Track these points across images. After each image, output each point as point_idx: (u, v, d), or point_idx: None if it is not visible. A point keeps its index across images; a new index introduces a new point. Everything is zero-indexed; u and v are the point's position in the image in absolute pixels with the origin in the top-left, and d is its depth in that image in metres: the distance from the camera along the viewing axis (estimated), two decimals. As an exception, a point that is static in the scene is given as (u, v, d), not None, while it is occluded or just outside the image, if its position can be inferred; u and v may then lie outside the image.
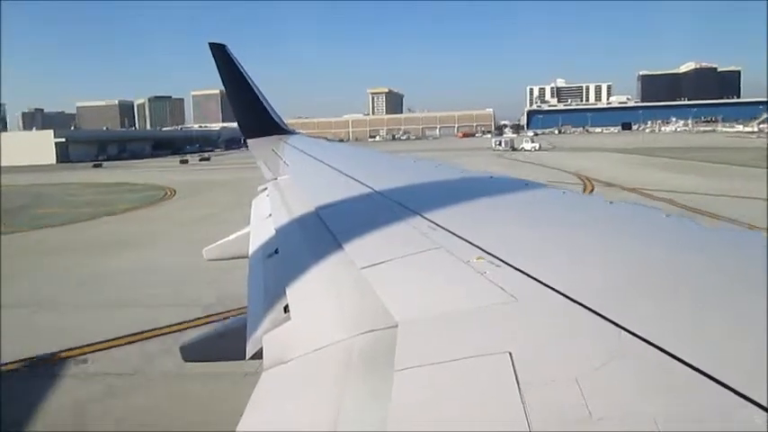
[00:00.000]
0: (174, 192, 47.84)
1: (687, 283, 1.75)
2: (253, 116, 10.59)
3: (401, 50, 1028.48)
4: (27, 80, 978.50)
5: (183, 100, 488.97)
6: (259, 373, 1.83)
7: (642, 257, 2.04)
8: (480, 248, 2.23)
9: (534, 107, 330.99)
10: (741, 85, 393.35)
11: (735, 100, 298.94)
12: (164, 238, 26.75)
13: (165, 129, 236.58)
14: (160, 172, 74.87)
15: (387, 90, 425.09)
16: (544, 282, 1.78)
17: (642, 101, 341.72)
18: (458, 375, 1.36)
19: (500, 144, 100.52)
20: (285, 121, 11.34)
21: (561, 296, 1.66)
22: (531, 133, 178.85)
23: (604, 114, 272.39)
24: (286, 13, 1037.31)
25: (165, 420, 9.75)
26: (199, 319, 14.08)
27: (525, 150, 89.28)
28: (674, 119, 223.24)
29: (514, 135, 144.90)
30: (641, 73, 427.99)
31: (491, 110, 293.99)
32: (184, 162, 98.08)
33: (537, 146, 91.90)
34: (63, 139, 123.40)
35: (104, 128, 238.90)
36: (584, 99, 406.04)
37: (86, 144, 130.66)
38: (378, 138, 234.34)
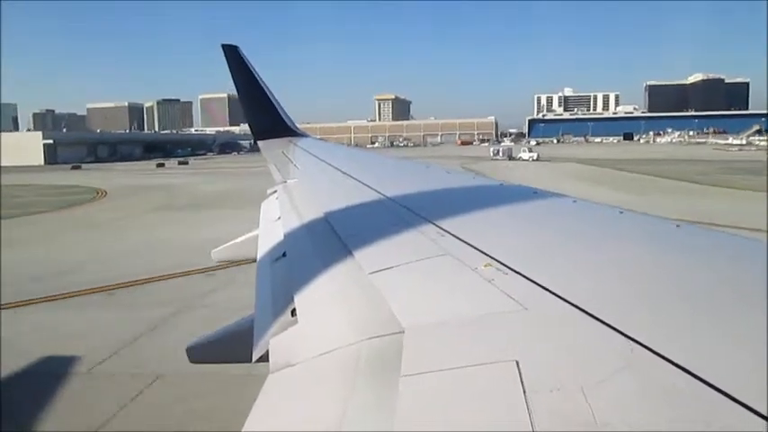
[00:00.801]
0: (105, 194, 49.40)
1: (696, 294, 1.73)
2: (264, 118, 10.69)
3: (410, 58, 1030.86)
4: (39, 81, 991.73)
5: (191, 103, 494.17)
6: (265, 376, 1.83)
7: (651, 267, 2.02)
8: (488, 255, 2.22)
9: (540, 116, 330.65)
10: (749, 97, 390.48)
11: (742, 111, 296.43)
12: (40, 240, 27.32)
13: (164, 132, 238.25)
14: (124, 174, 76.19)
15: (393, 97, 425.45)
16: (552, 290, 1.77)
17: (649, 111, 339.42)
18: (464, 382, 1.35)
19: (498, 153, 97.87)
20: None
21: (569, 305, 1.65)
22: (533, 142, 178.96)
23: (606, 124, 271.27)
24: (294, 18, 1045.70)
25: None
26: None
27: (523, 160, 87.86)
28: (669, 130, 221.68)
29: (512, 144, 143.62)
30: (648, 83, 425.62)
31: (492, 118, 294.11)
32: (161, 165, 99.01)
33: (535, 155, 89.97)
34: (51, 141, 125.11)
35: (98, 130, 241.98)
36: (591, 108, 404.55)
37: (75, 146, 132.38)
38: (377, 144, 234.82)
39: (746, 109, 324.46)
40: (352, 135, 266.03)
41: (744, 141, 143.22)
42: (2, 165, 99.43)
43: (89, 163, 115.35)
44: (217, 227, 28.84)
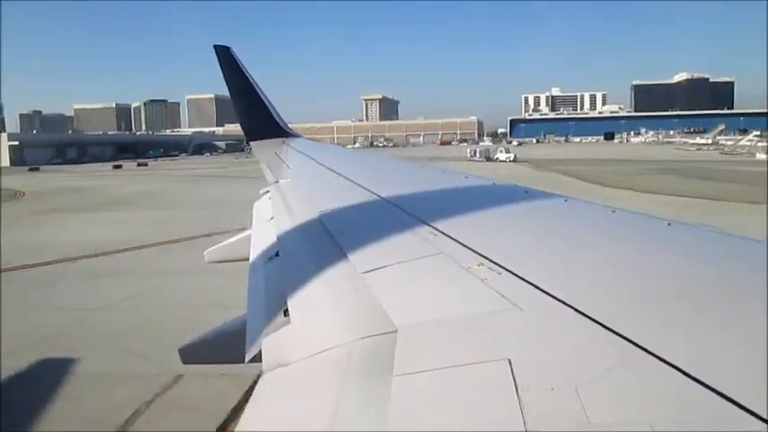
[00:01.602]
0: (23, 195, 50.58)
1: (688, 293, 1.73)
2: (256, 119, 10.63)
3: (400, 57, 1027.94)
4: (26, 82, 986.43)
5: (178, 103, 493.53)
6: (258, 375, 1.83)
7: (643, 266, 2.04)
8: (481, 255, 2.22)
9: (526, 115, 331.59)
10: (734, 96, 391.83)
11: (726, 111, 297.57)
12: None
13: (140, 133, 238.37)
14: (73, 176, 76.88)
15: (380, 96, 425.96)
16: (544, 289, 1.77)
17: (635, 111, 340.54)
18: (456, 382, 1.35)
19: (475, 154, 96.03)
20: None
21: (561, 304, 1.65)
22: (515, 143, 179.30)
23: (588, 124, 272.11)
24: (280, 17, 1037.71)
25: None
26: None
27: (500, 161, 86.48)
28: (643, 130, 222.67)
29: (490, 145, 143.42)
30: (634, 83, 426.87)
31: (475, 117, 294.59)
32: (118, 167, 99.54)
33: (512, 156, 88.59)
34: (17, 143, 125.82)
35: (70, 131, 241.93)
36: (578, 108, 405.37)
37: (44, 147, 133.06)
38: (357, 144, 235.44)
39: (732, 108, 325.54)
40: (335, 135, 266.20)
41: (709, 141, 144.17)
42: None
43: (55, 164, 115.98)
44: (88, 229, 29.63)
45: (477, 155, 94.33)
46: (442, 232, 2.67)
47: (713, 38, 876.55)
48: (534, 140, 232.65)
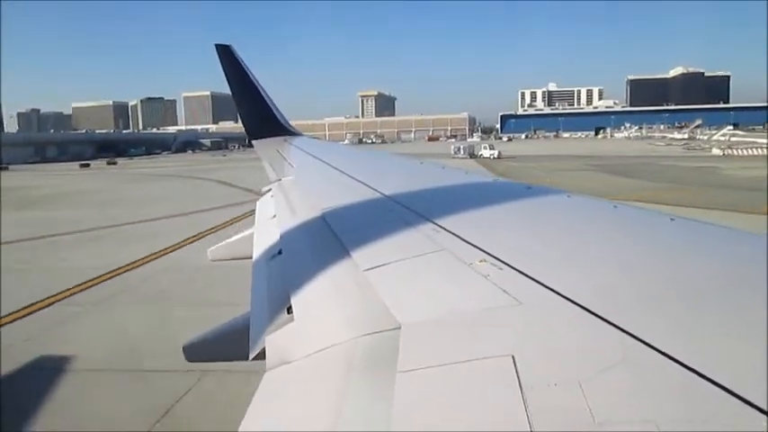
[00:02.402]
0: None
1: (691, 288, 1.74)
2: (258, 117, 10.65)
3: (396, 53, 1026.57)
4: (24, 80, 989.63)
5: (175, 101, 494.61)
6: (261, 373, 1.84)
7: (646, 261, 2.03)
8: (483, 251, 2.23)
9: (522, 111, 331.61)
10: (730, 91, 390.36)
11: (721, 105, 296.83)
12: None
13: (125, 131, 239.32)
14: (34, 176, 77.90)
15: (376, 93, 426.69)
16: (547, 285, 1.78)
17: (630, 105, 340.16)
18: (460, 378, 1.36)
19: (459, 151, 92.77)
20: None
21: (564, 299, 1.66)
22: (505, 138, 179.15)
23: (578, 119, 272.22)
24: (277, 14, 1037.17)
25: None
26: None
27: (484, 157, 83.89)
28: (627, 125, 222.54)
29: (477, 141, 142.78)
30: (630, 78, 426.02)
31: (465, 114, 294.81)
32: (85, 166, 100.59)
33: (496, 153, 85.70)
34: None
35: (51, 130, 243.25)
36: (575, 103, 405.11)
37: (23, 147, 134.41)
38: (346, 141, 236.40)
39: (727, 102, 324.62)
40: (327, 132, 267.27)
41: (686, 136, 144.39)
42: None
43: (30, 163, 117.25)
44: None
45: (461, 152, 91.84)
46: (445, 229, 2.66)
47: (713, 32, 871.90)
48: (523, 136, 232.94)
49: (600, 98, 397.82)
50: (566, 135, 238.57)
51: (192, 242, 23.59)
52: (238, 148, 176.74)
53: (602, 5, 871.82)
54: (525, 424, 1.11)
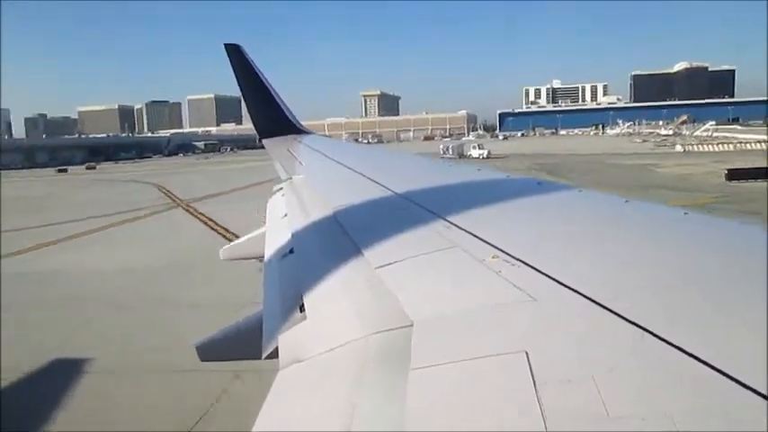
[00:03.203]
0: None
1: (705, 283, 1.73)
2: (268, 116, 10.67)
3: (402, 53, 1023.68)
4: (31, 85, 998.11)
5: (180, 104, 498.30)
6: (275, 372, 1.84)
7: (660, 257, 2.01)
8: (496, 247, 2.22)
9: (526, 108, 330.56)
10: (735, 85, 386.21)
11: (727, 99, 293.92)
12: None
13: (123, 135, 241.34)
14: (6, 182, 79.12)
15: (379, 92, 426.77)
16: (560, 280, 1.76)
17: (634, 101, 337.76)
18: (473, 374, 1.35)
19: (447, 150, 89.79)
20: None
21: (577, 295, 1.64)
22: (501, 137, 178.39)
23: (576, 116, 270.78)
24: (281, 14, 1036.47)
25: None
26: None
27: (473, 157, 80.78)
28: (620, 122, 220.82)
29: (469, 139, 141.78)
30: (634, 73, 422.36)
31: (464, 112, 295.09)
32: (62, 171, 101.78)
33: (485, 153, 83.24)
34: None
35: (44, 135, 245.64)
36: (579, 99, 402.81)
37: (12, 152, 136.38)
38: (343, 140, 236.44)
39: (732, 97, 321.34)
40: (326, 132, 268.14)
41: (671, 132, 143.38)
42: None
43: (18, 169, 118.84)
44: None
45: (450, 151, 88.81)
46: (457, 225, 2.65)
47: (722, 25, 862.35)
48: (519, 134, 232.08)
49: (604, 94, 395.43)
50: (563, 132, 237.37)
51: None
52: (230, 150, 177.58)
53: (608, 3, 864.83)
54: (539, 420, 1.11)
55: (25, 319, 16.12)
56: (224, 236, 24.90)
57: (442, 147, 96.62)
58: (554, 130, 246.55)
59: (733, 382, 1.11)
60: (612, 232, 2.49)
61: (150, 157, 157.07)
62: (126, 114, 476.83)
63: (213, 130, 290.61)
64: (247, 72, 10.34)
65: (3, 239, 28.12)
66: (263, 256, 3.79)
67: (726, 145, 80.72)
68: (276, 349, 2.04)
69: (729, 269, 1.84)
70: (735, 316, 1.45)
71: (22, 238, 28.38)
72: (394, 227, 2.85)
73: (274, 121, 10.65)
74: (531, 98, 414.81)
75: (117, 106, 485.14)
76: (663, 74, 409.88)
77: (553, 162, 64.18)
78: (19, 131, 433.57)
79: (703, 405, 1.09)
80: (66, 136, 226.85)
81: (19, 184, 73.99)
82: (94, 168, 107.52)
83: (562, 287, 1.72)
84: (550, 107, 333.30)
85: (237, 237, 7.06)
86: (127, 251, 25.06)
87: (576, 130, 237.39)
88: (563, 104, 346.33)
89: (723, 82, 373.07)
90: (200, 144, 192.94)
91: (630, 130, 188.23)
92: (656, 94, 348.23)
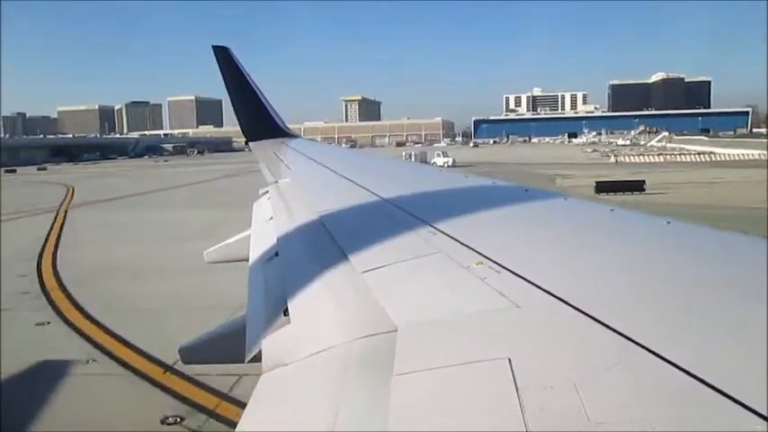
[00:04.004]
0: None
1: (687, 290, 1.74)
2: (255, 119, 10.64)
3: (383, 58, 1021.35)
4: (8, 84, 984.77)
5: (161, 105, 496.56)
6: (258, 375, 1.83)
7: (643, 264, 2.04)
8: (480, 254, 2.22)
9: (504, 116, 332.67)
10: (711, 96, 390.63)
11: (702, 110, 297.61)
12: None
13: (91, 135, 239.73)
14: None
15: (359, 97, 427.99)
16: (544, 288, 1.78)
17: (612, 110, 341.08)
18: (457, 380, 1.36)
19: (410, 158, 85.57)
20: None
21: (560, 302, 1.66)
22: (471, 144, 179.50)
23: (549, 124, 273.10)
24: (262, 16, 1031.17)
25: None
26: None
27: (437, 165, 76.43)
28: (585, 131, 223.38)
29: (426, 147, 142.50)
30: (612, 83, 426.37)
31: (439, 119, 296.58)
32: (11, 172, 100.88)
33: (450, 161, 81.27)
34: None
35: (6, 135, 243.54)
36: (559, 108, 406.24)
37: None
38: (330, 145, 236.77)
39: (709, 107, 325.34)
40: (302, 136, 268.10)
41: (628, 142, 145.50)
42: None
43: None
44: None
45: (413, 159, 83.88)
46: (442, 231, 2.67)
47: (706, 36, 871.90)
48: (492, 141, 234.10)
49: (584, 103, 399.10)
50: (535, 140, 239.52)
51: None
52: (197, 153, 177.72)
53: (592, 9, 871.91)
54: (521, 427, 1.11)
55: None
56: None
57: (404, 154, 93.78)
58: (527, 139, 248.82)
59: (714, 392, 1.12)
60: (597, 240, 2.51)
61: (115, 159, 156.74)
62: (106, 115, 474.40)
63: (190, 132, 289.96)
64: (235, 75, 10.36)
65: None
66: (247, 259, 3.81)
67: (661, 156, 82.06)
68: (260, 353, 2.02)
69: (713, 277, 1.86)
70: (718, 324, 1.47)
71: None
72: (380, 232, 2.88)
73: (262, 124, 10.67)
74: (512, 106, 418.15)
75: (97, 106, 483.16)
76: (640, 84, 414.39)
77: (488, 171, 64.86)
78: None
79: (684, 414, 1.10)
80: (50, 136, 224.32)
81: None
82: (45, 169, 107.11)
83: (546, 294, 1.73)
84: (529, 115, 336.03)
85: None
86: None
87: (547, 139, 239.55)
88: (542, 112, 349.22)
89: (699, 93, 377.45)
90: (169, 146, 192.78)
91: (595, 140, 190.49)
92: (634, 103, 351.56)
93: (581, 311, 1.57)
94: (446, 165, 78.87)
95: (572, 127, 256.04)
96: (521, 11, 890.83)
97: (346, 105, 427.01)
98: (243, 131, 10.71)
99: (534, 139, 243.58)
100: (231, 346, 2.57)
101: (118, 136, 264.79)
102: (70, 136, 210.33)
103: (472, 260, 2.18)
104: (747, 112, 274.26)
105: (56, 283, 17.53)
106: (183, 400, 9.51)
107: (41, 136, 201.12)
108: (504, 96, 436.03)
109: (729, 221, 20.27)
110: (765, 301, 1.50)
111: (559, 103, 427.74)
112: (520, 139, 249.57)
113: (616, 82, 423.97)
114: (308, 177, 6.72)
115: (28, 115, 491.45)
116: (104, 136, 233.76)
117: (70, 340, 12.58)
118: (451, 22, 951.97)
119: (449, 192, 4.54)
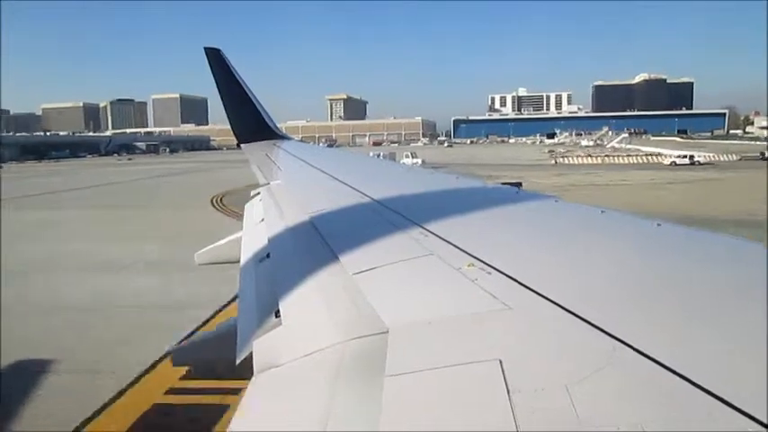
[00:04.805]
0: None
1: (676, 292, 1.75)
2: (247, 121, 10.69)
3: (371, 57, 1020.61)
4: None
5: (145, 103, 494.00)
6: (249, 377, 1.84)
7: (633, 266, 2.05)
8: (472, 255, 2.23)
9: (487, 115, 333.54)
10: (694, 97, 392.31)
11: (681, 112, 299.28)
12: None
13: (62, 133, 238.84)
14: None
15: (345, 96, 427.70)
16: (534, 289, 1.78)
17: (595, 111, 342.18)
18: (447, 382, 1.36)
19: (379, 158, 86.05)
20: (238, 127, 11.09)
21: (551, 304, 1.66)
22: (445, 144, 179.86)
23: (527, 125, 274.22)
24: (250, 15, 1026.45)
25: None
26: None
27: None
28: (558, 131, 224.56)
29: (405, 147, 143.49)
30: (595, 83, 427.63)
31: (419, 119, 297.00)
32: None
33: (419, 161, 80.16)
34: None
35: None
36: (544, 108, 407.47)
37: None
38: (319, 145, 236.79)
39: (691, 108, 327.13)
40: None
41: (591, 143, 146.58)
42: None
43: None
44: None
45: (381, 158, 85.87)
46: (433, 233, 2.68)
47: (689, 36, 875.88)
48: (469, 141, 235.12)
49: (569, 103, 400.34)
50: (512, 141, 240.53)
51: None
52: (168, 151, 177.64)
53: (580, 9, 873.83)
54: (512, 428, 1.12)
55: None
56: None
57: (372, 154, 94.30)
58: (505, 139, 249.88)
59: (703, 392, 1.13)
60: (587, 242, 2.52)
61: (84, 157, 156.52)
62: (91, 112, 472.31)
63: (171, 130, 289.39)
64: (227, 77, 10.41)
65: None
66: (238, 261, 3.82)
67: (606, 158, 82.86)
68: (251, 354, 2.01)
69: (702, 278, 1.87)
70: (707, 325, 1.48)
71: None
72: (371, 234, 2.87)
73: (253, 125, 10.72)
74: (497, 105, 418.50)
75: (82, 104, 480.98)
76: (624, 85, 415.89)
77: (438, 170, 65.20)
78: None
79: (673, 414, 1.11)
80: (35, 133, 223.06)
81: None
82: (0, 167, 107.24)
83: (537, 296, 1.74)
84: (513, 115, 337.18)
85: None
86: None
87: (523, 139, 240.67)
88: (525, 113, 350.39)
89: (681, 94, 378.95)
90: (142, 145, 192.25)
91: (565, 140, 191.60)
92: (617, 104, 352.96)
93: (572, 313, 1.57)
94: (415, 165, 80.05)
95: (552, 127, 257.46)
96: (520, 10, 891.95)
97: (331, 104, 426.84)
98: (234, 133, 10.71)
99: (512, 140, 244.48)
100: (222, 347, 2.55)
101: (92, 134, 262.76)
102: (42, 134, 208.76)
103: (463, 262, 2.18)
104: (725, 114, 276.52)
105: None
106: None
107: (11, 134, 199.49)
108: (490, 96, 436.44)
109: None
110: (755, 302, 1.51)
111: (544, 103, 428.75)
112: (499, 139, 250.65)
113: (600, 83, 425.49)
114: (300, 179, 6.72)
115: (12, 112, 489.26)
116: (77, 134, 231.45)
117: None
118: (444, 23, 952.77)
119: (440, 193, 4.58)
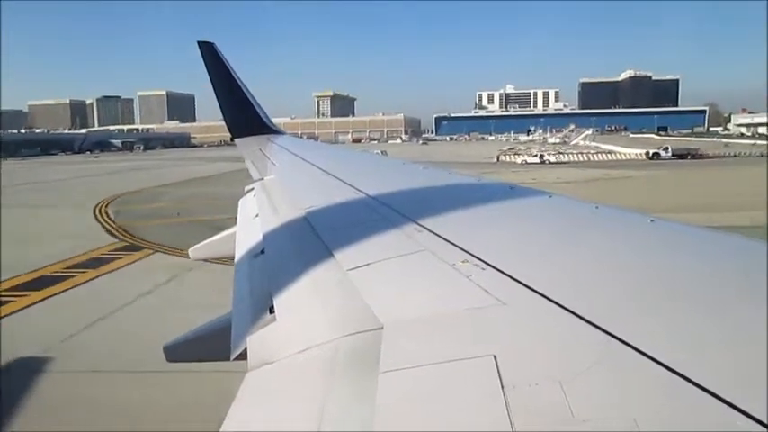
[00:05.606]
0: None
1: (671, 288, 1.75)
2: (241, 115, 10.66)
3: (359, 55, 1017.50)
4: None
5: (132, 100, 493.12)
6: (243, 373, 1.82)
7: (627, 262, 2.06)
8: (466, 251, 2.23)
9: (473, 112, 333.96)
10: (679, 94, 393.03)
11: (662, 109, 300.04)
12: None
13: (38, 130, 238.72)
14: None
15: (331, 93, 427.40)
16: (529, 285, 1.78)
17: (581, 108, 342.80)
18: (442, 377, 1.36)
19: None
20: (223, 123, 11.22)
21: (545, 299, 1.66)
22: (420, 142, 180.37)
23: (508, 122, 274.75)
24: (237, 12, 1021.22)
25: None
26: None
27: None
28: (531, 128, 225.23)
29: (375, 145, 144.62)
30: (581, 81, 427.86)
31: (401, 115, 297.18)
32: None
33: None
34: None
35: None
36: (532, 105, 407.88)
37: None
38: (317, 141, 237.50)
39: (676, 106, 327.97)
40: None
41: (557, 140, 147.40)
42: None
43: None
44: None
45: None
46: (428, 229, 2.68)
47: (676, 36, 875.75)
48: (448, 138, 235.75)
49: (556, 100, 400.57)
50: (491, 138, 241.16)
51: None
52: (142, 149, 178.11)
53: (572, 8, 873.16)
54: (506, 423, 1.12)
55: None
56: None
57: None
58: (485, 136, 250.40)
59: (697, 388, 1.13)
60: (581, 238, 2.52)
61: (55, 155, 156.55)
62: (78, 109, 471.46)
63: (155, 127, 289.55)
64: (221, 71, 10.35)
65: None
66: (232, 257, 3.80)
67: (549, 156, 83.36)
68: (245, 351, 2.01)
69: (696, 274, 1.87)
70: (702, 321, 1.48)
71: None
72: (365, 230, 2.88)
73: (247, 120, 10.69)
74: (485, 102, 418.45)
75: (68, 101, 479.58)
76: (609, 82, 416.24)
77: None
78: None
79: (669, 411, 1.11)
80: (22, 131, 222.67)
81: None
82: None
83: (531, 292, 1.75)
84: (499, 112, 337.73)
85: None
86: None
87: (500, 136, 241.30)
88: (511, 110, 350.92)
89: (667, 91, 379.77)
90: (117, 142, 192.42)
91: (533, 138, 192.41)
92: (602, 101, 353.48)
93: (566, 309, 1.57)
94: None
95: (528, 124, 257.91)
96: (510, 8, 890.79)
97: (318, 101, 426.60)
98: (228, 128, 10.72)
99: (491, 137, 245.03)
100: (216, 344, 2.54)
101: (67, 131, 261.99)
102: (15, 132, 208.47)
103: (458, 258, 2.17)
104: (705, 111, 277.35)
105: None
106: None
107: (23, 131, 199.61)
108: (477, 93, 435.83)
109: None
110: (749, 296, 1.52)
111: (532, 100, 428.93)
112: (480, 136, 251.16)
113: (586, 80, 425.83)
114: (294, 174, 6.71)
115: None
116: (53, 131, 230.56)
117: None
118: (435, 21, 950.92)
119: (435, 189, 4.54)
